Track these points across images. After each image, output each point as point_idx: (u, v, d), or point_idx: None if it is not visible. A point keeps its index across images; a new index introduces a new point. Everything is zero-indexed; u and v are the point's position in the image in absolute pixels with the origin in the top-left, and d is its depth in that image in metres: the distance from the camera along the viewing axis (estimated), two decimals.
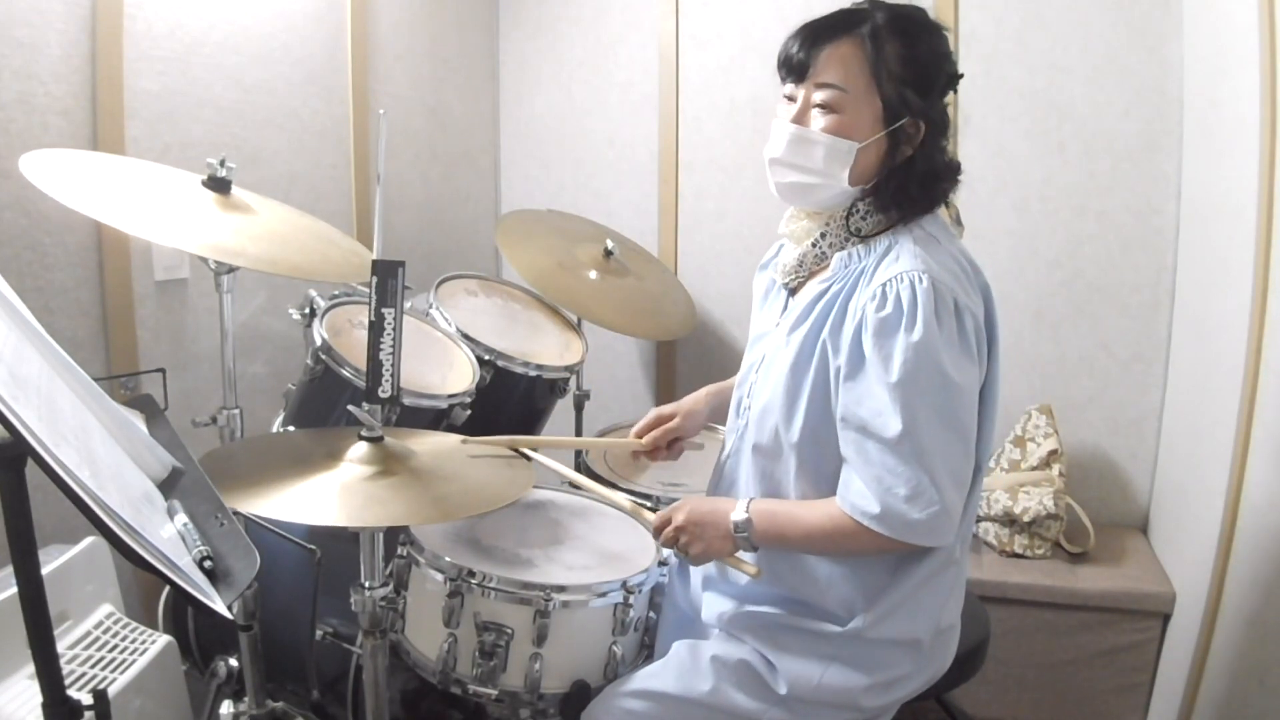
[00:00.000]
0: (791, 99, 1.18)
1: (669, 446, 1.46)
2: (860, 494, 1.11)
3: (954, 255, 1.16)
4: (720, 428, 1.41)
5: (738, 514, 1.18)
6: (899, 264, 1.11)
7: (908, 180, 1.16)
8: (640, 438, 1.46)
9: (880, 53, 1.12)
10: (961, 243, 1.22)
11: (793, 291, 1.28)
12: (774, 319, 1.30)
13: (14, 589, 0.74)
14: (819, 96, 1.14)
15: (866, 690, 1.18)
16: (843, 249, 1.20)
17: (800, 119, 1.16)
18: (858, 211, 1.19)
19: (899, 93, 1.13)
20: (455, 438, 1.44)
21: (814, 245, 1.23)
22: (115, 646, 1.41)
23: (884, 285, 1.10)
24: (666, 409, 1.46)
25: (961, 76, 1.19)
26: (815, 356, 1.16)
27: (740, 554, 1.21)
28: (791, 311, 1.24)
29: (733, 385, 1.40)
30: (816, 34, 1.15)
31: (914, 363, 1.07)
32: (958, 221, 1.25)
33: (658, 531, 1.26)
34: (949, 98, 1.20)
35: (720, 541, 1.19)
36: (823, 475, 1.18)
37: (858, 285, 1.15)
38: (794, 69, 1.17)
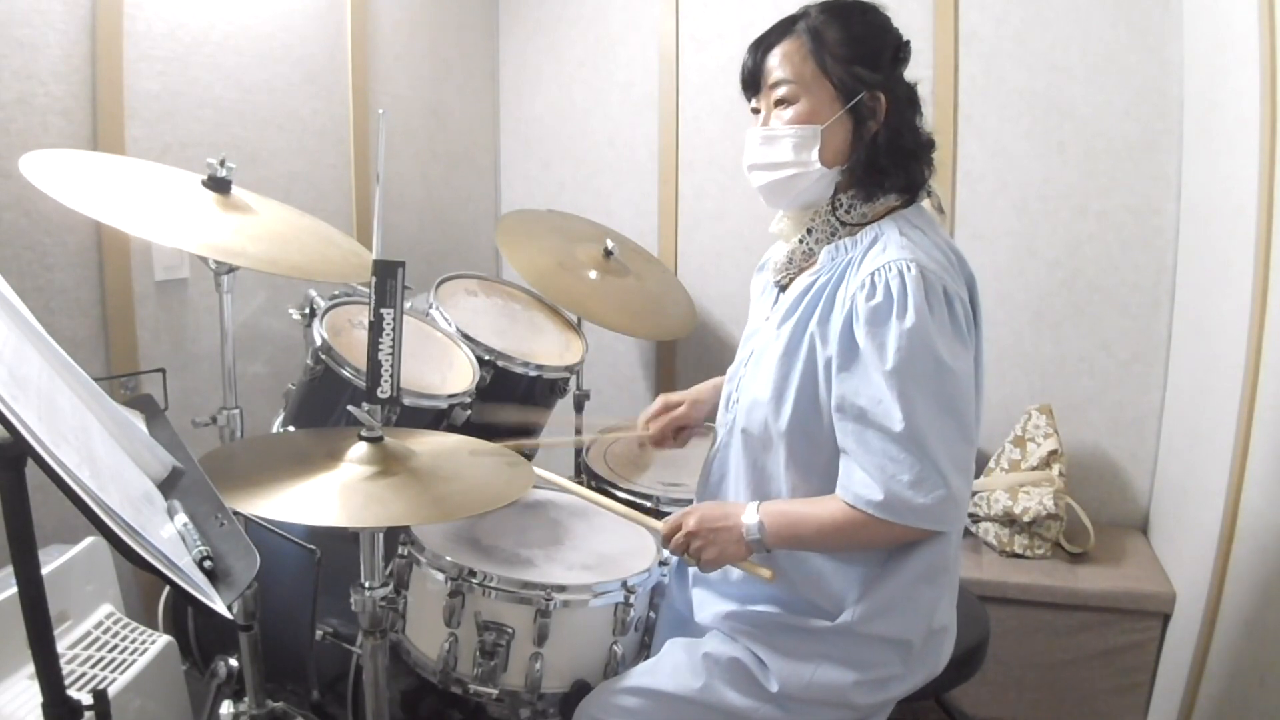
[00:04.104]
0: (757, 111, 1.26)
1: (675, 435, 1.48)
2: (863, 483, 1.11)
3: (938, 244, 1.18)
4: (713, 425, 1.41)
5: (749, 517, 1.18)
6: (886, 254, 1.13)
7: (877, 153, 1.19)
8: (648, 425, 1.47)
9: (819, 40, 1.18)
10: (945, 233, 1.24)
11: (783, 288, 1.30)
12: (764, 314, 1.31)
13: (14, 589, 0.74)
14: (776, 95, 1.21)
15: (857, 687, 1.19)
16: (829, 242, 1.22)
17: (765, 123, 1.23)
18: (841, 204, 1.22)
19: (848, 70, 1.18)
20: (456, 438, 1.44)
21: (801, 241, 1.25)
22: (115, 646, 1.41)
23: (873, 274, 1.12)
24: (674, 397, 1.48)
25: (909, 44, 1.23)
26: (804, 347, 1.17)
27: (753, 558, 1.21)
28: (780, 306, 1.26)
29: None
30: (760, 45, 1.23)
31: (908, 349, 1.08)
32: (939, 209, 1.28)
33: (667, 539, 1.25)
34: (916, 78, 1.24)
35: (734, 546, 1.19)
36: (813, 466, 1.19)
37: (845, 276, 1.17)
38: (749, 83, 1.25)
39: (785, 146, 1.19)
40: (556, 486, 1.42)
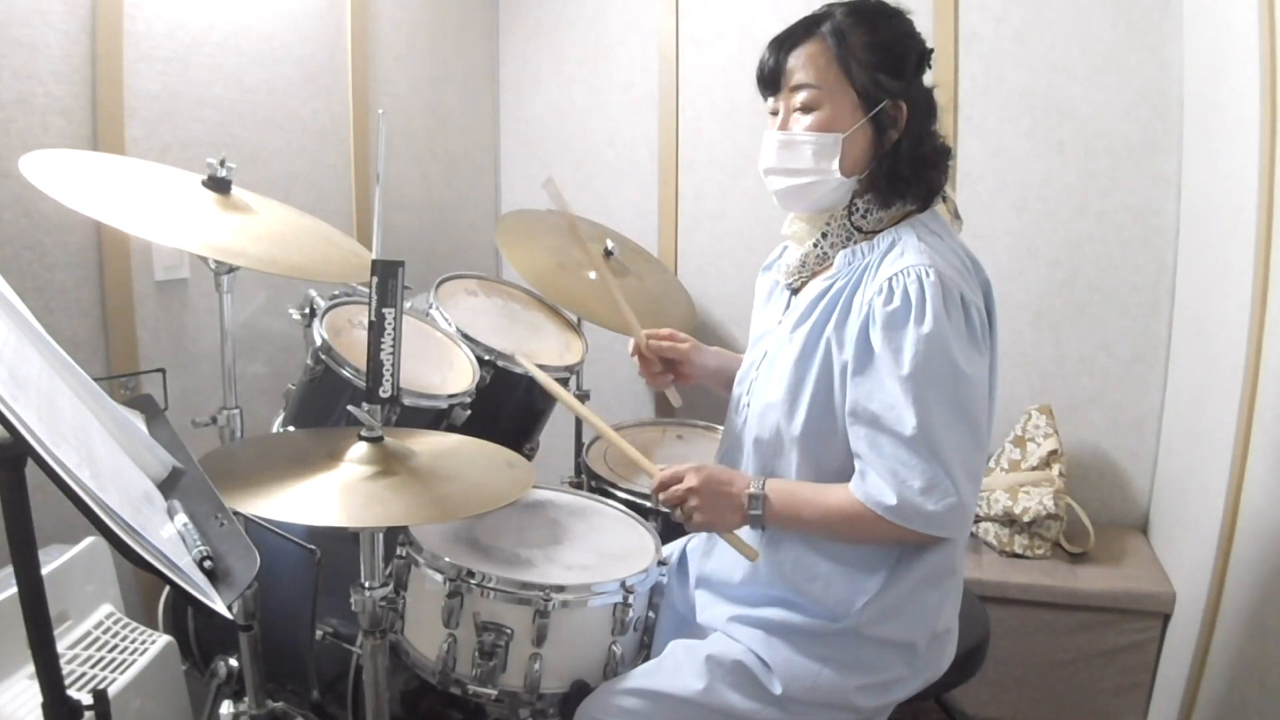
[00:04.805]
0: (775, 112, 1.23)
1: (662, 370, 1.47)
2: (876, 486, 1.11)
3: (955, 251, 1.17)
4: (718, 427, 1.41)
5: (754, 488, 1.18)
6: (904, 259, 1.12)
7: (898, 163, 1.18)
8: (648, 340, 1.46)
9: (844, 45, 1.16)
10: (961, 239, 1.23)
11: (795, 291, 1.29)
12: (776, 318, 1.30)
13: (14, 589, 0.74)
14: (797, 99, 1.18)
15: (861, 690, 1.19)
16: (845, 247, 1.21)
17: (784, 126, 1.20)
18: (858, 209, 1.21)
19: (871, 78, 1.16)
20: (456, 437, 1.44)
21: (815, 245, 1.24)
22: (115, 646, 1.41)
23: (890, 280, 1.11)
24: (683, 334, 1.47)
25: (932, 51, 1.21)
26: (819, 352, 1.17)
27: (743, 533, 1.20)
28: (794, 310, 1.25)
29: (738, 360, 1.40)
30: (782, 44, 1.20)
31: (925, 355, 1.08)
32: (955, 215, 1.26)
33: (663, 487, 1.22)
34: (933, 81, 1.22)
35: (730, 514, 1.19)
36: (825, 470, 1.19)
37: (862, 280, 1.16)
38: (769, 82, 1.22)
39: (805, 153, 1.18)
40: (566, 405, 1.39)
